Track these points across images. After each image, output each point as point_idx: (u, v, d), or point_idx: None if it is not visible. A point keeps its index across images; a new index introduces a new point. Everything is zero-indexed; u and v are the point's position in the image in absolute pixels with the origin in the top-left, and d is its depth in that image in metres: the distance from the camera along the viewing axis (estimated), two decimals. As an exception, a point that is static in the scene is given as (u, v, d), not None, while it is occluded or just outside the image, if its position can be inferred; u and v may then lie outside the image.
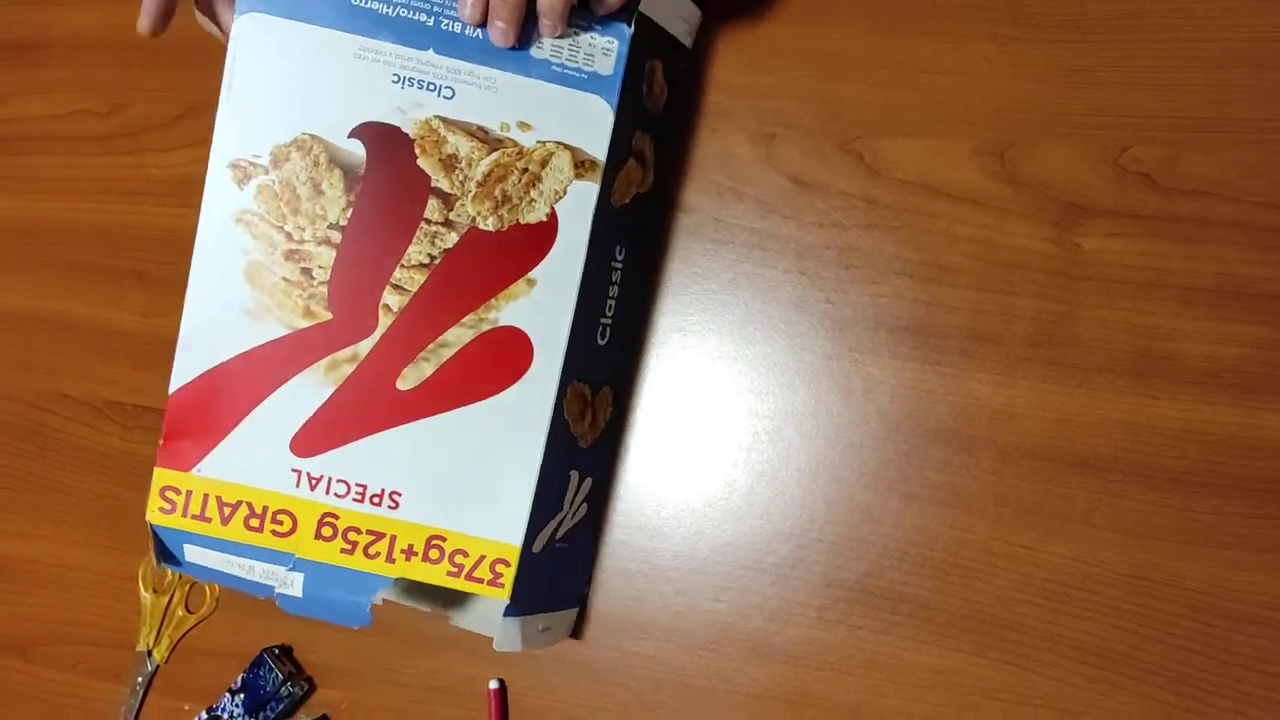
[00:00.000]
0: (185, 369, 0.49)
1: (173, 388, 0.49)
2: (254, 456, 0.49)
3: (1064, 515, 0.49)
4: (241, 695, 0.58)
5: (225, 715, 0.59)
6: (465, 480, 0.50)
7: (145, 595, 0.61)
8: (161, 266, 0.63)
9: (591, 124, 0.49)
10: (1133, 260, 0.50)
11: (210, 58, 0.63)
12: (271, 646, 0.59)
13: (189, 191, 0.63)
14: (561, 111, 0.49)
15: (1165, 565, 0.48)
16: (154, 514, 0.50)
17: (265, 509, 0.49)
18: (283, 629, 0.60)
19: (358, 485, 0.49)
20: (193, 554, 0.50)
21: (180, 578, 0.61)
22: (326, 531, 0.49)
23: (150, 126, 0.64)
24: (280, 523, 0.49)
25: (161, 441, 0.49)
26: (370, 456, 0.49)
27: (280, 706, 0.58)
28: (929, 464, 0.51)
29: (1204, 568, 0.48)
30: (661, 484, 0.55)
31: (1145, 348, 0.49)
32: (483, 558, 0.50)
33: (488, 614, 0.51)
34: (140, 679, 0.61)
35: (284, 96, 0.48)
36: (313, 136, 0.48)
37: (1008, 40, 0.52)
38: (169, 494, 0.49)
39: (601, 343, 0.53)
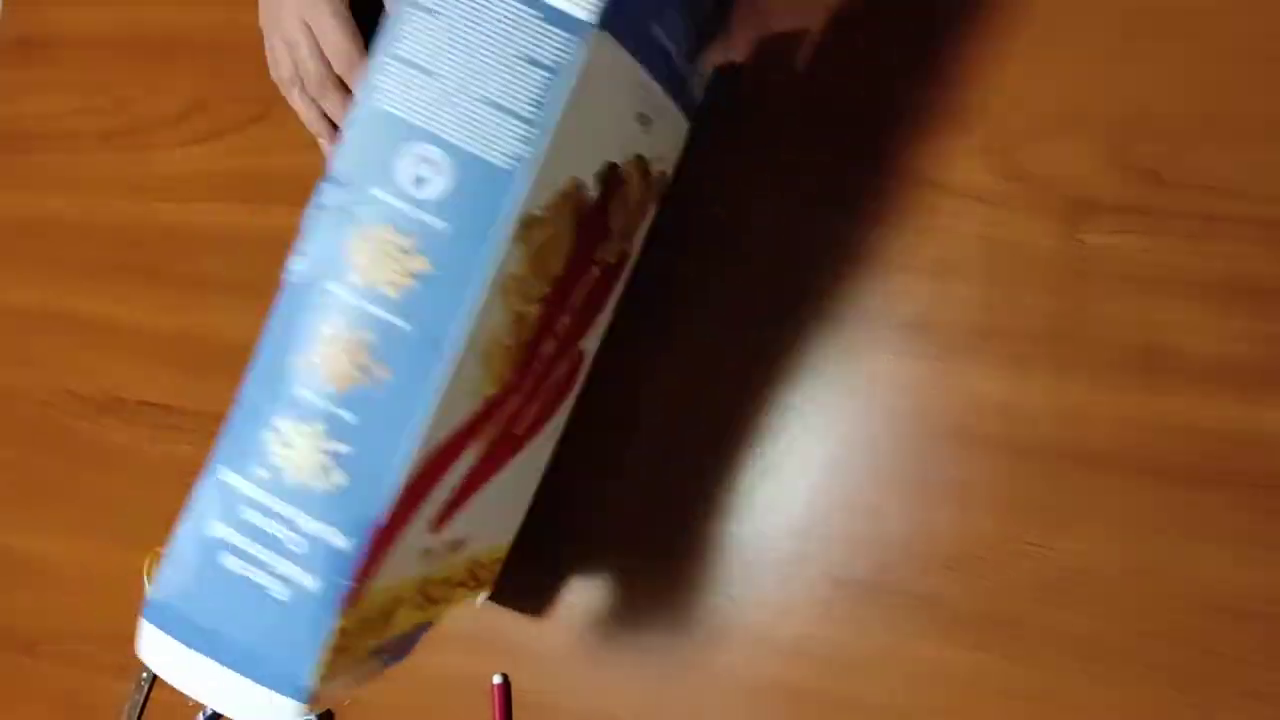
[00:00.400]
0: (402, 478, 0.36)
1: (385, 507, 0.36)
2: (407, 551, 0.38)
3: (1070, 511, 0.49)
4: (246, 691, 0.58)
5: (230, 711, 0.59)
6: (503, 503, 0.47)
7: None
8: (167, 263, 0.63)
9: (677, 144, 0.49)
10: (1139, 256, 0.49)
11: (215, 54, 0.63)
12: (276, 642, 0.59)
13: (194, 188, 0.63)
14: (671, 132, 0.47)
15: (1171, 561, 0.48)
16: (321, 672, 0.36)
17: (380, 611, 0.39)
18: (287, 625, 0.60)
19: (455, 541, 0.42)
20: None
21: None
22: (419, 600, 0.41)
23: (156, 123, 0.64)
24: (384, 615, 0.39)
25: (352, 583, 0.36)
26: (473, 509, 0.42)
27: (284, 702, 0.58)
28: (935, 459, 0.51)
29: (1209, 564, 0.48)
30: (665, 480, 0.55)
31: (1151, 343, 0.49)
32: (489, 563, 0.49)
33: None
34: (144, 675, 0.61)
35: (586, 133, 0.37)
36: (578, 182, 0.38)
37: (1012, 36, 0.52)
38: (345, 641, 0.36)
39: None
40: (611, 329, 0.51)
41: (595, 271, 0.43)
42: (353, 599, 0.36)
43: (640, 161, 0.43)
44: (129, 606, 0.62)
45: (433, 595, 0.43)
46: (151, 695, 0.62)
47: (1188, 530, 0.48)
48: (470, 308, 0.35)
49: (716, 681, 0.53)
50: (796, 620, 0.52)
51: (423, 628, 0.45)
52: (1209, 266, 0.49)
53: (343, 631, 0.36)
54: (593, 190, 0.39)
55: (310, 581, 0.36)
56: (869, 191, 0.53)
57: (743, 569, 0.53)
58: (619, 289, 0.49)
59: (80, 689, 0.63)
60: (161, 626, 0.37)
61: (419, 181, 0.35)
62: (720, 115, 0.56)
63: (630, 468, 0.56)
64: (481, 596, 0.51)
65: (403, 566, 0.38)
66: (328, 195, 0.36)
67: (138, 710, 0.61)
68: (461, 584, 0.46)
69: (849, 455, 0.52)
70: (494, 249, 0.34)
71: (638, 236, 0.48)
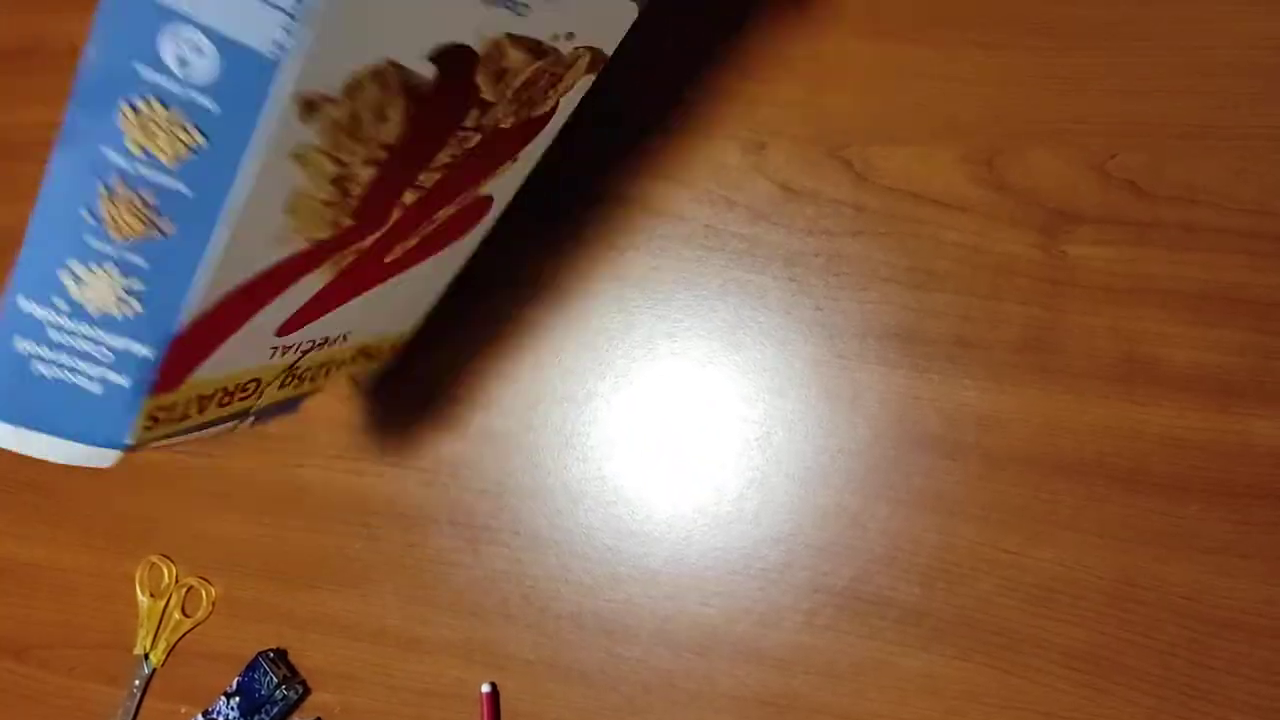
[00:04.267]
0: (194, 309, 0.41)
1: (178, 328, 0.41)
2: (242, 351, 0.45)
3: (1049, 520, 0.50)
4: (237, 698, 0.59)
5: (220, 718, 0.59)
6: (393, 306, 0.54)
7: (142, 599, 0.62)
8: (158, 273, 0.64)
9: (616, 26, 0.50)
10: (1118, 266, 0.50)
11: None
12: (266, 650, 0.59)
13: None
14: (598, 16, 0.49)
15: (1150, 570, 0.48)
16: (139, 434, 0.42)
17: (237, 385, 0.47)
18: (278, 633, 0.60)
19: (321, 339, 0.51)
20: (146, 437, 0.45)
21: (178, 582, 0.62)
22: (286, 379, 0.51)
23: (147, 134, 0.64)
24: (247, 390, 0.48)
25: (156, 377, 0.41)
26: (340, 316, 0.51)
27: (275, 710, 0.58)
28: (915, 469, 0.51)
29: (1188, 573, 0.48)
30: (651, 489, 0.56)
31: (1130, 353, 0.49)
32: (384, 346, 0.57)
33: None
34: (137, 682, 0.62)
35: (368, 19, 0.39)
36: (392, 63, 0.41)
37: (995, 47, 0.52)
38: (157, 413, 0.43)
39: None
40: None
41: (475, 136, 0.48)
42: (164, 388, 0.42)
43: (521, 43, 0.46)
44: (121, 613, 0.63)
45: (308, 376, 0.53)
46: (143, 702, 0.62)
47: (1166, 539, 0.48)
48: (247, 176, 0.38)
49: (701, 691, 0.54)
50: (780, 629, 0.53)
51: (303, 396, 0.54)
52: (1187, 276, 0.49)
53: (159, 406, 0.42)
54: (424, 70, 0.42)
55: (122, 379, 0.41)
56: (852, 201, 0.54)
57: (727, 578, 0.54)
58: (534, 149, 0.52)
59: (72, 695, 0.63)
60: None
61: (183, 63, 0.36)
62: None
63: (614, 477, 0.56)
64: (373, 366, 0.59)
65: (241, 360, 0.45)
66: (89, 67, 0.37)
67: (130, 717, 0.61)
68: (349, 363, 0.55)
69: (831, 465, 0.53)
70: (270, 128, 0.36)
71: (542, 103, 0.50)
